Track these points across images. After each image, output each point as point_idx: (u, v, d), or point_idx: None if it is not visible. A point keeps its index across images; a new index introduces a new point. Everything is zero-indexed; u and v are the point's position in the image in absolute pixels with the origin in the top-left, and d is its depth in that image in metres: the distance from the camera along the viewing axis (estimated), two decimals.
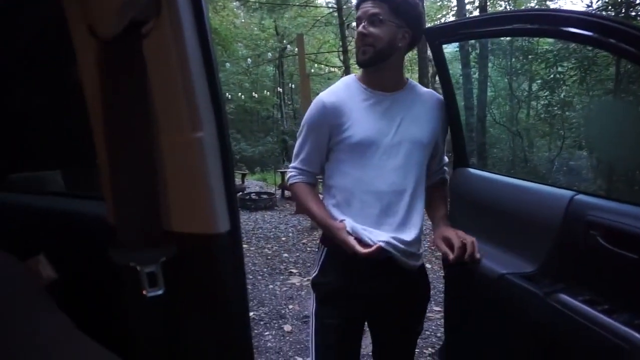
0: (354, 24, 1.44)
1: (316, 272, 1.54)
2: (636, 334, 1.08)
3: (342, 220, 1.42)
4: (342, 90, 1.48)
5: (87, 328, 0.60)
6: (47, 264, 0.65)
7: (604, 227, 1.24)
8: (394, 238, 1.40)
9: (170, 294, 0.61)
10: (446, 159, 1.69)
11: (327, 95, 1.47)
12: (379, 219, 1.42)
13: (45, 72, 1.03)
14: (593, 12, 6.51)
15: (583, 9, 6.93)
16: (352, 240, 1.36)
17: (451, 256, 1.40)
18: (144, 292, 0.59)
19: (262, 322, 3.55)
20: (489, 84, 10.05)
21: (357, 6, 1.43)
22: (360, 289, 1.46)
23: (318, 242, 1.59)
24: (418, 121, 1.46)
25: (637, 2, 6.50)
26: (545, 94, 8.55)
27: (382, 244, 1.37)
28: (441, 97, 1.59)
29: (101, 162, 0.62)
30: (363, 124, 1.41)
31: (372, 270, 1.43)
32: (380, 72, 1.44)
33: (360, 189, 1.42)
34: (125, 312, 0.64)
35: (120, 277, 0.62)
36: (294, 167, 1.55)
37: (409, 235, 1.43)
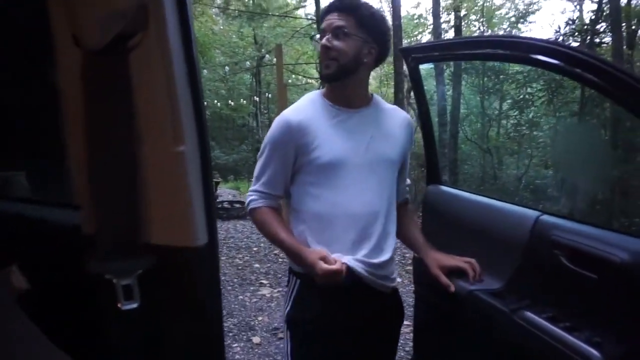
0: (318, 36, 1.38)
1: (289, 306, 1.42)
2: (594, 352, 1.13)
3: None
4: (308, 108, 1.40)
5: (59, 340, 0.59)
6: (19, 274, 0.64)
7: (567, 248, 1.30)
8: (364, 261, 1.34)
9: (146, 306, 0.61)
10: (408, 180, 1.64)
11: (292, 113, 1.38)
12: (355, 244, 1.34)
13: (18, 73, 1.01)
14: (561, 38, 6.80)
15: (552, 34, 7.23)
16: (320, 263, 1.25)
17: (452, 288, 1.41)
18: (119, 305, 0.58)
19: (230, 334, 3.50)
20: (462, 101, 10.32)
21: (322, 18, 1.37)
22: (340, 317, 1.37)
23: (288, 273, 1.47)
24: (387, 138, 1.41)
25: (601, 30, 6.83)
26: (515, 113, 8.83)
27: (351, 263, 1.31)
28: (405, 113, 1.54)
29: (80, 171, 0.61)
30: (332, 143, 1.33)
31: (348, 295, 1.35)
32: (345, 87, 1.37)
33: (334, 214, 1.33)
34: (99, 324, 0.63)
35: (96, 288, 0.61)
36: (255, 191, 1.42)
37: (382, 257, 1.37)
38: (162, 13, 0.56)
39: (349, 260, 1.31)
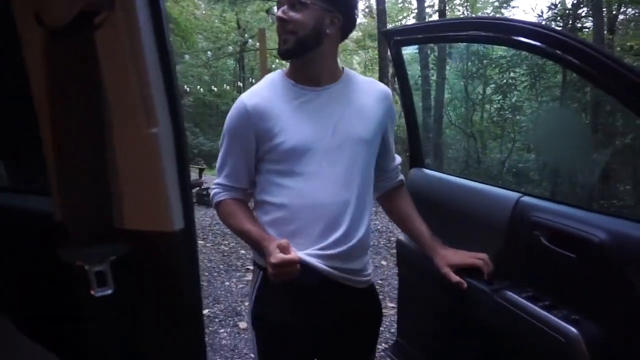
0: (275, 8, 1.23)
1: (252, 302, 1.32)
2: (572, 329, 1.15)
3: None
4: (267, 89, 1.28)
5: (32, 329, 0.58)
6: None
7: (547, 228, 1.31)
8: (328, 254, 1.22)
9: (122, 292, 0.60)
10: (399, 158, 1.51)
11: (248, 97, 1.25)
12: (322, 236, 1.22)
13: None
14: (543, 22, 6.84)
15: (534, 19, 7.26)
16: (276, 251, 1.11)
17: (465, 285, 1.33)
18: (92, 292, 0.57)
19: (217, 320, 3.50)
20: (446, 86, 10.35)
21: None
22: (308, 318, 1.25)
23: (252, 265, 1.35)
24: (359, 116, 1.27)
25: (583, 14, 6.88)
26: (498, 97, 8.90)
27: (311, 260, 1.20)
28: (384, 86, 1.40)
29: (48, 156, 0.59)
30: (295, 127, 1.21)
31: (316, 294, 1.24)
32: (308, 64, 1.24)
33: (299, 204, 1.21)
34: (73, 312, 0.61)
35: (68, 276, 0.59)
36: (218, 184, 1.31)
37: (348, 247, 1.24)
38: None
39: (307, 255, 1.20)
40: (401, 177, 1.51)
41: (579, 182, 6.41)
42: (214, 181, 1.35)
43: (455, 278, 1.33)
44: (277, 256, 1.10)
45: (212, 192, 1.34)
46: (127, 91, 0.58)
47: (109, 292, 0.58)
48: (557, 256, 1.27)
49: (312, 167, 1.22)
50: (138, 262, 0.64)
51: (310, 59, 1.23)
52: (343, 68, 1.34)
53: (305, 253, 1.21)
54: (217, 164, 1.32)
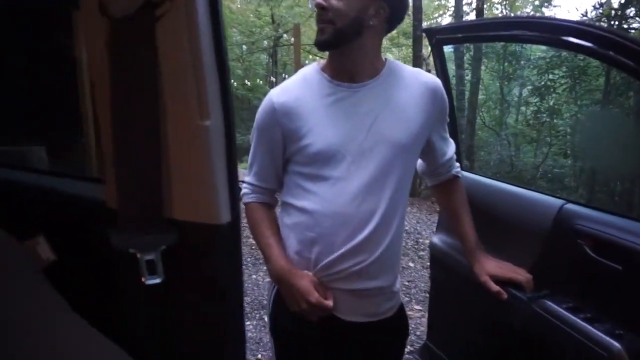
0: None
1: (269, 314, 1.26)
2: (615, 344, 1.11)
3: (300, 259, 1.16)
4: (299, 86, 1.18)
5: (83, 311, 0.59)
6: (45, 245, 0.64)
7: (592, 237, 1.27)
8: (354, 273, 1.13)
9: (169, 281, 0.61)
10: (452, 147, 1.35)
11: (278, 94, 1.17)
12: (342, 247, 1.12)
13: (37, 48, 1.00)
14: (589, 22, 6.59)
15: (578, 19, 7.01)
16: (314, 292, 1.09)
17: (505, 296, 1.25)
18: (143, 280, 0.58)
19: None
20: (480, 86, 10.13)
21: None
22: (329, 335, 1.19)
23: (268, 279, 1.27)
24: (397, 117, 1.15)
25: (631, 14, 6.59)
26: (535, 100, 8.65)
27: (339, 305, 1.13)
28: (431, 77, 1.24)
29: (106, 144, 0.60)
30: (325, 127, 1.12)
31: (341, 339, 1.19)
32: (346, 56, 1.13)
33: (322, 211, 1.13)
34: (123, 297, 0.63)
35: (119, 262, 0.61)
36: (248, 183, 1.25)
37: (374, 265, 1.14)
38: None
39: (328, 277, 1.14)
40: (455, 170, 1.36)
41: (623, 189, 6.17)
42: (244, 178, 1.27)
43: (495, 287, 1.26)
44: (316, 297, 1.09)
45: (242, 192, 1.24)
46: (184, 83, 0.58)
47: (159, 280, 0.59)
48: (602, 267, 1.22)
49: (339, 171, 1.12)
50: (185, 252, 0.65)
51: (349, 51, 1.12)
52: (386, 59, 1.21)
53: (328, 275, 1.14)
54: (249, 160, 1.25)
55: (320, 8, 1.08)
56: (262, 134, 1.19)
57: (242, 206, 1.16)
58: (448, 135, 1.32)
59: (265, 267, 4.53)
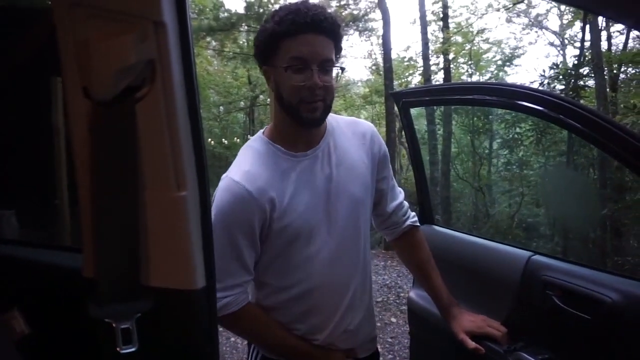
0: (287, 66, 1.02)
1: None
2: None
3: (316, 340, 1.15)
4: (260, 166, 1.09)
5: None
6: (19, 318, 0.64)
7: (559, 288, 1.31)
8: (352, 331, 1.19)
9: (144, 349, 0.61)
10: (401, 194, 1.33)
11: (247, 180, 1.06)
12: (336, 313, 1.15)
13: (20, 117, 1.04)
14: (546, 81, 7.04)
15: (537, 78, 7.47)
16: None
17: (482, 351, 1.25)
18: (118, 350, 0.59)
19: None
20: (453, 140, 10.52)
21: (293, 33, 0.99)
22: None
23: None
24: (351, 172, 1.14)
25: (584, 73, 7.09)
26: (505, 152, 9.00)
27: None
28: (364, 124, 1.24)
29: (83, 214, 0.63)
30: (297, 205, 1.08)
31: None
32: (316, 129, 1.12)
33: (311, 286, 1.11)
34: None
35: (95, 332, 0.61)
36: (228, 288, 1.06)
37: (366, 315, 1.23)
38: (168, 67, 0.60)
39: (334, 339, 1.18)
40: (411, 219, 1.33)
41: (589, 238, 6.33)
42: (218, 288, 0.95)
43: (472, 344, 1.25)
44: None
45: (221, 303, 1.05)
46: (161, 157, 0.62)
47: (134, 349, 0.60)
48: (572, 317, 1.26)
49: (319, 242, 1.10)
50: (160, 318, 0.66)
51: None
52: None
53: (331, 337, 1.18)
54: (219, 265, 0.83)
55: (318, 87, 1.02)
56: (241, 226, 1.06)
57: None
58: (394, 181, 1.31)
59: None
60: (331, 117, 1.18)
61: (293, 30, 0.99)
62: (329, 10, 1.06)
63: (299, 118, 1.05)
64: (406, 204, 1.35)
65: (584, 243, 6.40)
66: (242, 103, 16.86)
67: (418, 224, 1.36)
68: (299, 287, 1.12)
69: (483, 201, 9.40)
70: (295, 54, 1.00)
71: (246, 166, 1.10)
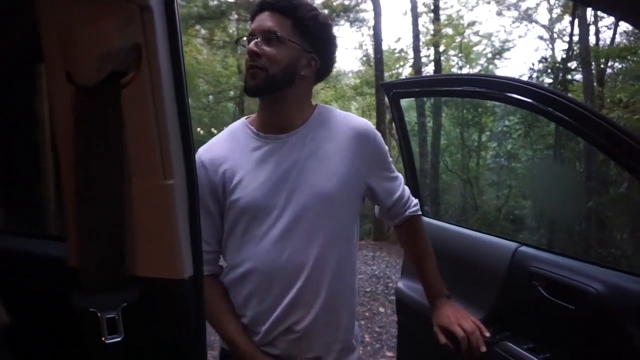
0: (246, 39, 1.12)
1: None
2: None
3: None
4: (226, 141, 1.16)
5: None
6: (2, 308, 0.63)
7: (545, 279, 1.33)
8: (293, 339, 1.09)
9: (130, 338, 0.61)
10: (401, 186, 1.28)
11: (205, 150, 1.15)
12: (275, 306, 1.09)
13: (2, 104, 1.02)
14: (535, 74, 7.09)
15: (526, 71, 7.52)
16: None
17: (451, 348, 1.18)
18: (103, 339, 0.58)
19: None
20: (442, 132, 10.56)
21: (252, 17, 1.12)
22: None
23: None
24: (322, 165, 1.11)
25: (573, 67, 7.15)
26: (494, 145, 9.08)
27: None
28: (361, 122, 1.20)
29: (68, 203, 0.62)
30: (251, 182, 1.09)
31: None
32: (276, 105, 1.12)
33: (251, 268, 1.10)
34: (83, 358, 0.62)
35: (79, 321, 0.61)
36: None
37: (301, 321, 1.09)
38: (154, 52, 0.58)
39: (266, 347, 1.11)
40: (411, 209, 1.29)
41: (575, 230, 6.43)
42: None
43: (442, 339, 1.20)
44: None
45: None
46: (148, 145, 0.61)
47: (119, 339, 0.59)
48: (557, 307, 1.28)
49: (266, 226, 1.09)
50: (146, 308, 0.65)
51: (279, 100, 1.12)
52: (317, 105, 1.20)
53: (270, 335, 1.11)
54: None
55: (253, 54, 1.06)
56: (206, 193, 1.12)
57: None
58: (395, 175, 1.27)
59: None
60: (325, 109, 1.20)
61: (253, 13, 1.12)
62: None
63: (244, 85, 1.10)
64: (407, 193, 1.30)
65: (570, 235, 6.50)
66: (231, 92, 16.72)
67: (419, 212, 1.32)
68: (243, 267, 1.11)
69: (471, 193, 9.48)
70: (249, 30, 1.11)
71: (213, 140, 1.18)
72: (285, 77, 1.09)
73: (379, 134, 1.21)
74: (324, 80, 1.26)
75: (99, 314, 0.59)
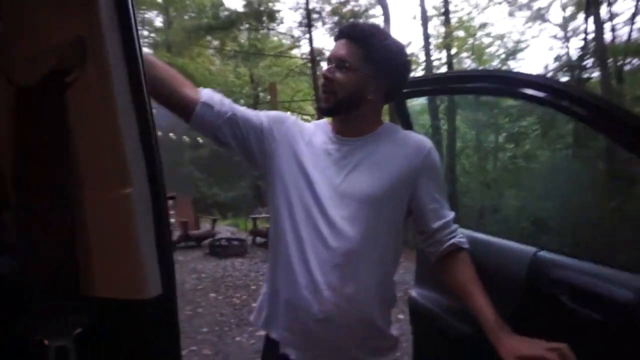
0: (325, 64, 1.25)
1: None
2: None
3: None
4: (311, 127, 1.32)
5: None
6: None
7: (567, 285, 1.23)
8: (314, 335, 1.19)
9: None
10: (449, 213, 1.27)
11: (296, 120, 1.34)
12: (303, 288, 1.17)
13: None
14: (550, 74, 6.93)
15: (541, 71, 7.36)
16: None
17: None
18: None
19: None
20: (457, 135, 10.41)
21: (335, 41, 1.25)
22: None
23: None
24: (372, 169, 1.20)
25: (588, 65, 6.96)
26: (511, 146, 8.89)
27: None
28: (421, 138, 1.28)
29: (11, 217, 0.55)
30: (309, 166, 1.22)
31: None
32: (347, 121, 1.24)
33: (285, 253, 1.21)
34: None
35: (23, 352, 0.54)
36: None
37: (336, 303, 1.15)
38: (101, 46, 0.51)
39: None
40: (453, 240, 1.23)
41: (597, 233, 6.20)
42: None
43: None
44: None
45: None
46: (99, 151, 0.55)
47: None
48: (580, 315, 1.17)
49: (303, 215, 1.20)
50: (104, 334, 0.58)
51: (348, 118, 1.24)
52: (384, 123, 1.30)
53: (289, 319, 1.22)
54: None
55: (325, 78, 1.20)
56: (262, 118, 1.27)
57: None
58: (444, 201, 1.26)
59: (249, 329, 4.33)
60: (391, 126, 1.31)
61: (335, 38, 1.25)
62: (366, 22, 1.28)
63: (317, 105, 1.36)
64: (455, 225, 1.26)
65: (591, 237, 6.27)
66: (243, 101, 16.83)
67: (466, 246, 1.25)
68: (277, 251, 1.24)
69: (490, 195, 9.28)
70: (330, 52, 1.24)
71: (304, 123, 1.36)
72: (352, 100, 1.19)
73: (435, 151, 1.27)
74: None
75: (46, 342, 0.52)
